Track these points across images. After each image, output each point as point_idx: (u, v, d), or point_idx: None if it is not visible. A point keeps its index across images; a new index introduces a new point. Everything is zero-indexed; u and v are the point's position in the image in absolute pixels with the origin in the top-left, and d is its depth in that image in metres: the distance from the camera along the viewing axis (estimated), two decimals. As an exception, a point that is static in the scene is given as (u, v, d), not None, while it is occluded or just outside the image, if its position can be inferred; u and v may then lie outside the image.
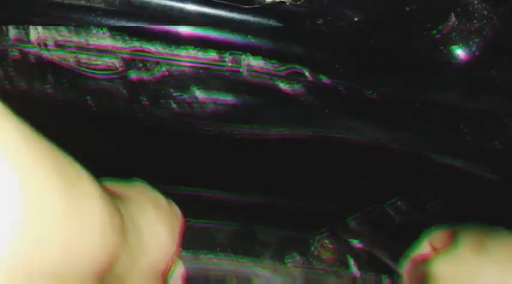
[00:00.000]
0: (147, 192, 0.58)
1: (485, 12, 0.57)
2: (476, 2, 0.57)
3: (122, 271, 0.46)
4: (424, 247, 0.67)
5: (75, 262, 0.37)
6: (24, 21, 0.53)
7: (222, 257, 0.78)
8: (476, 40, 0.60)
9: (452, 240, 0.64)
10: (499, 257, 0.59)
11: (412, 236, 0.67)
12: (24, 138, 0.32)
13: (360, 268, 0.87)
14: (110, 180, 0.58)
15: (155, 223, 0.53)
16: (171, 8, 0.54)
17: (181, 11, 0.55)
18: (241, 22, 0.56)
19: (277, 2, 0.54)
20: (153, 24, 0.55)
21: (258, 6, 0.55)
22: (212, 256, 0.76)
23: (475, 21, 0.58)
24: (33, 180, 0.31)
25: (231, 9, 0.55)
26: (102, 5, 0.53)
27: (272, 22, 0.56)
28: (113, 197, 0.47)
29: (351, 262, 0.88)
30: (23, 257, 0.31)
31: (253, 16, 0.56)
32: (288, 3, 0.55)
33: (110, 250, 0.42)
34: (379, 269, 0.83)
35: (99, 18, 0.54)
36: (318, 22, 0.57)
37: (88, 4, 0.53)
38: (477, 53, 0.61)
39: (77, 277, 0.39)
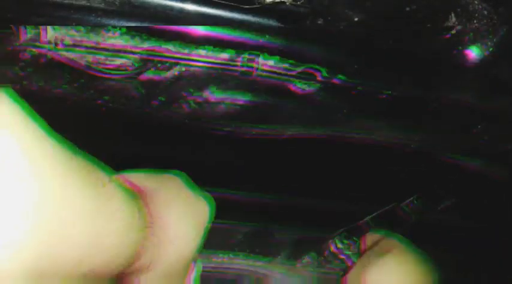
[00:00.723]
0: (179, 188, 0.59)
1: (485, 12, 0.56)
2: (476, 2, 0.56)
3: (149, 260, 0.47)
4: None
5: (98, 259, 0.38)
6: (24, 22, 0.54)
7: (239, 256, 0.78)
8: (491, 41, 0.59)
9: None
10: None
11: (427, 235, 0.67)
12: (47, 141, 0.33)
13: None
14: (147, 171, 0.59)
15: (181, 218, 0.54)
16: (171, 8, 0.54)
17: (181, 11, 0.55)
18: (241, 22, 0.56)
19: (277, 2, 0.54)
20: (153, 24, 0.56)
21: (258, 6, 0.55)
22: (229, 255, 0.76)
23: (475, 21, 0.57)
24: (55, 182, 0.32)
25: (231, 9, 0.55)
26: (102, 5, 0.53)
27: (272, 22, 0.56)
28: (139, 194, 0.48)
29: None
30: (44, 255, 0.32)
31: (253, 16, 0.56)
32: (288, 3, 0.55)
33: (133, 247, 0.43)
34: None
35: (99, 18, 0.54)
36: (318, 22, 0.57)
37: (88, 4, 0.53)
38: (491, 54, 0.60)
39: (101, 273, 0.40)
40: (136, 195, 0.46)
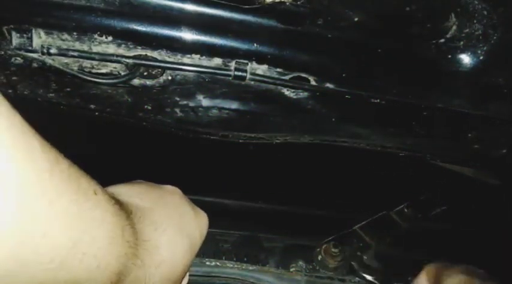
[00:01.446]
0: (175, 205, 0.58)
1: (485, 12, 0.57)
2: (476, 2, 0.56)
3: (133, 282, 0.46)
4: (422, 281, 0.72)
5: (77, 267, 0.38)
6: (24, 21, 0.53)
7: (227, 264, 0.77)
8: (483, 47, 0.59)
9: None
10: None
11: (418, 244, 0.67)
12: (34, 147, 0.33)
13: (370, 274, 0.87)
14: (144, 184, 0.59)
15: (173, 242, 0.53)
16: (171, 8, 0.54)
17: (181, 11, 0.54)
18: (241, 22, 0.56)
19: (277, 2, 0.54)
20: (154, 25, 0.55)
21: (258, 6, 0.54)
22: (217, 262, 0.76)
23: (475, 21, 0.57)
24: (38, 184, 0.32)
25: (231, 9, 0.55)
26: (102, 5, 0.53)
27: (272, 22, 0.56)
28: (130, 211, 0.48)
29: (357, 269, 0.88)
30: (16, 254, 0.31)
31: (253, 16, 0.55)
32: (288, 3, 0.54)
33: (114, 263, 0.42)
34: (385, 277, 0.83)
35: (99, 18, 0.53)
36: (318, 22, 0.56)
37: (88, 4, 0.53)
38: (484, 60, 0.60)
39: (88, 280, 0.39)
40: (125, 211, 0.46)
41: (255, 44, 0.58)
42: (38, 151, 0.33)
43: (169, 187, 0.62)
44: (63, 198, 0.35)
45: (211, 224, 0.63)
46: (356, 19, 0.57)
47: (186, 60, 0.59)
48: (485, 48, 0.60)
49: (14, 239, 0.31)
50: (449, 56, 0.61)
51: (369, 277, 0.85)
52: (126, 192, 0.54)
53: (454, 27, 0.59)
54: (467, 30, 0.58)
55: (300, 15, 0.56)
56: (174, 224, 0.55)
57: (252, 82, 0.61)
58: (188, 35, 0.57)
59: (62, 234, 0.35)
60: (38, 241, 0.33)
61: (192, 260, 0.58)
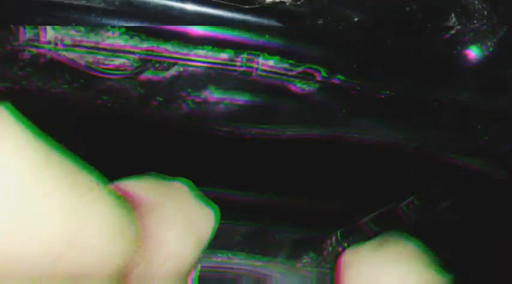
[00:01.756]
0: (184, 200, 0.58)
1: (485, 12, 0.56)
2: (476, 2, 0.56)
3: (140, 278, 0.47)
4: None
5: (77, 261, 0.38)
6: (24, 21, 0.54)
7: (238, 256, 0.78)
8: (491, 41, 0.59)
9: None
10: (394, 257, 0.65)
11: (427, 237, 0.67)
12: (29, 140, 0.33)
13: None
14: (152, 179, 0.59)
15: (181, 237, 0.54)
16: (171, 8, 0.54)
17: (181, 11, 0.55)
18: (241, 22, 0.56)
19: (277, 2, 0.54)
20: (153, 24, 0.55)
21: (258, 6, 0.55)
22: (228, 255, 0.76)
23: (475, 21, 0.57)
24: (31, 179, 0.32)
25: (231, 9, 0.55)
26: (102, 5, 0.53)
27: (272, 22, 0.56)
28: (136, 205, 0.48)
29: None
30: (12, 249, 0.32)
31: (253, 16, 0.56)
32: (288, 3, 0.54)
33: (120, 257, 0.42)
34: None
35: (99, 18, 0.54)
36: (318, 22, 0.56)
37: (88, 4, 0.53)
38: (491, 54, 0.60)
39: (84, 277, 0.39)
40: (130, 205, 0.46)
41: (263, 39, 0.58)
42: (33, 144, 0.33)
43: (177, 182, 0.62)
44: (58, 191, 0.35)
45: (222, 217, 0.63)
46: (356, 19, 0.57)
47: (196, 53, 0.59)
48: (493, 42, 0.60)
49: (8, 229, 0.31)
50: (457, 50, 0.61)
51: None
52: (134, 186, 0.54)
53: (456, 26, 0.58)
54: (485, 30, 0.58)
55: (300, 15, 0.56)
56: (180, 219, 0.55)
57: (261, 76, 0.61)
58: (199, 29, 0.57)
59: (57, 227, 0.35)
60: (32, 232, 0.33)
61: (199, 255, 0.58)
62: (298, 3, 0.55)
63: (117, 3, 0.53)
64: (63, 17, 0.53)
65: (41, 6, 0.53)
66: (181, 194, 0.60)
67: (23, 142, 0.33)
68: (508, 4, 0.56)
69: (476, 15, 0.57)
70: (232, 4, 0.54)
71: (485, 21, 0.57)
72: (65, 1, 0.52)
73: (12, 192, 0.31)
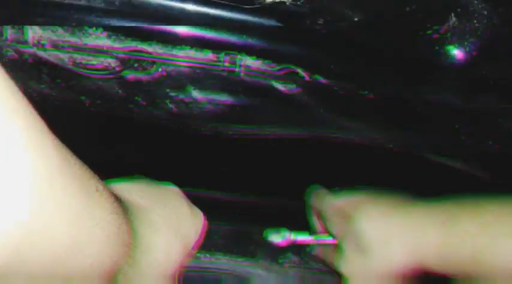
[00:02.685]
0: (174, 205, 0.58)
1: (485, 12, 0.57)
2: (476, 2, 0.57)
3: (127, 280, 0.46)
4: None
5: (74, 268, 0.38)
6: (24, 21, 0.53)
7: (218, 256, 0.78)
8: (472, 40, 0.60)
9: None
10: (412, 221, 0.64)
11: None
12: (47, 146, 0.33)
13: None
14: (142, 182, 0.59)
15: (170, 240, 0.54)
16: (171, 8, 0.54)
17: (181, 11, 0.54)
18: (241, 22, 0.56)
19: (277, 2, 0.54)
20: (152, 24, 0.55)
21: (258, 6, 0.55)
22: (208, 255, 0.76)
23: (475, 21, 0.58)
24: (48, 182, 0.32)
25: (231, 9, 0.55)
26: (102, 5, 0.52)
27: (272, 22, 0.56)
28: (128, 209, 0.48)
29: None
30: (27, 249, 0.31)
31: (253, 16, 0.56)
32: (288, 3, 0.55)
33: (113, 259, 0.42)
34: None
35: (99, 18, 0.53)
36: (318, 22, 0.57)
37: (88, 4, 0.52)
38: (473, 53, 0.61)
39: (80, 278, 0.39)
40: (123, 209, 0.46)
41: (247, 38, 0.58)
42: (50, 149, 0.33)
43: (168, 186, 0.63)
44: (68, 196, 0.35)
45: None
46: (356, 19, 0.57)
47: (178, 53, 0.59)
48: (477, 43, 0.60)
49: (21, 238, 0.31)
50: (441, 50, 0.61)
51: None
52: (126, 188, 0.54)
53: (454, 27, 0.59)
54: (466, 29, 0.59)
55: (300, 15, 0.56)
56: (170, 224, 0.55)
57: (244, 76, 0.61)
58: (182, 29, 0.57)
59: (63, 232, 0.35)
60: (42, 239, 0.33)
61: (185, 259, 0.58)
62: (298, 3, 0.55)
63: (117, 3, 0.53)
64: (63, 16, 0.53)
65: (41, 6, 0.52)
66: (172, 198, 0.60)
67: (44, 145, 0.32)
68: (508, 4, 0.57)
69: (476, 15, 0.57)
70: (232, 4, 0.54)
71: (485, 21, 0.57)
72: (65, 1, 0.52)
73: (31, 200, 0.31)
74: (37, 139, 0.32)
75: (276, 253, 0.84)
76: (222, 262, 0.79)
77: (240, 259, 0.80)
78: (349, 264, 0.68)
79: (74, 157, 0.37)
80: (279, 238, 0.72)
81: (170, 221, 0.56)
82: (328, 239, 0.72)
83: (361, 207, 0.68)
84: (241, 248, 0.86)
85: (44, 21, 0.53)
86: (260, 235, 0.89)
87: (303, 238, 0.72)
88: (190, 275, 0.76)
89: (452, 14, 0.57)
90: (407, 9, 0.56)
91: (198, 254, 0.73)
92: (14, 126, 0.30)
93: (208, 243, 0.81)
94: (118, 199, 0.46)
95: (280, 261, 0.83)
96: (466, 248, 0.59)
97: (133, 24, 0.54)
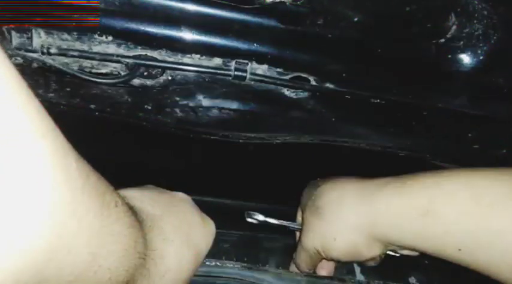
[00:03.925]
0: (185, 214, 0.58)
1: (485, 12, 0.57)
2: (476, 2, 0.56)
3: None
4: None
5: (98, 277, 0.38)
6: (24, 21, 0.53)
7: (228, 263, 0.77)
8: (483, 46, 0.59)
9: None
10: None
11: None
12: (70, 166, 0.33)
13: (365, 274, 0.87)
14: (153, 190, 0.58)
15: (179, 252, 0.54)
16: (171, 8, 0.54)
17: (181, 11, 0.54)
18: (241, 22, 0.56)
19: (277, 2, 0.54)
20: (153, 25, 0.55)
21: (258, 6, 0.54)
22: (217, 262, 0.76)
23: (475, 22, 0.57)
24: (71, 202, 0.32)
25: (231, 9, 0.55)
26: (102, 5, 0.52)
27: (272, 22, 0.56)
28: (142, 220, 0.48)
29: (357, 268, 0.88)
30: (48, 261, 0.32)
31: (253, 16, 0.55)
32: (288, 3, 0.54)
33: (130, 272, 0.42)
34: (385, 276, 0.83)
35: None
36: (318, 22, 0.56)
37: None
38: (484, 59, 0.60)
39: None
40: (139, 222, 0.46)
41: (255, 44, 0.58)
42: (73, 169, 0.33)
43: (180, 194, 0.63)
44: (90, 215, 0.35)
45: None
46: (356, 19, 0.57)
47: (186, 60, 0.59)
48: (485, 48, 0.60)
49: (42, 257, 0.31)
50: (449, 56, 0.61)
51: (367, 277, 0.85)
52: (138, 197, 0.54)
53: (454, 27, 0.58)
54: (467, 30, 0.58)
55: (300, 15, 0.56)
56: (182, 234, 0.55)
57: (252, 82, 0.61)
58: (188, 35, 0.57)
59: (84, 250, 0.35)
60: (63, 258, 0.33)
61: (197, 267, 0.58)
62: (298, 3, 0.55)
63: (117, 3, 0.53)
64: (62, 17, 0.53)
65: (40, 6, 0.52)
66: (184, 207, 0.60)
67: (68, 166, 0.32)
68: (508, 4, 0.56)
69: (476, 15, 0.57)
70: (232, 4, 0.54)
71: (485, 21, 0.57)
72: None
73: (53, 222, 0.31)
74: (62, 159, 0.32)
75: (286, 259, 0.84)
76: (232, 269, 0.79)
77: (250, 266, 0.79)
78: (306, 231, 0.70)
79: (94, 171, 0.37)
80: (253, 219, 0.78)
81: (181, 231, 0.56)
82: (295, 225, 0.78)
83: (327, 180, 0.70)
84: (251, 255, 0.86)
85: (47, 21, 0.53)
86: (270, 243, 0.88)
87: (273, 221, 0.78)
88: (201, 282, 0.76)
89: (453, 14, 0.57)
90: (410, 8, 0.56)
91: (208, 262, 0.72)
92: (42, 146, 0.30)
93: (218, 250, 0.81)
94: (135, 212, 0.46)
95: (289, 269, 0.83)
96: (418, 221, 0.59)
97: (135, 24, 0.54)
